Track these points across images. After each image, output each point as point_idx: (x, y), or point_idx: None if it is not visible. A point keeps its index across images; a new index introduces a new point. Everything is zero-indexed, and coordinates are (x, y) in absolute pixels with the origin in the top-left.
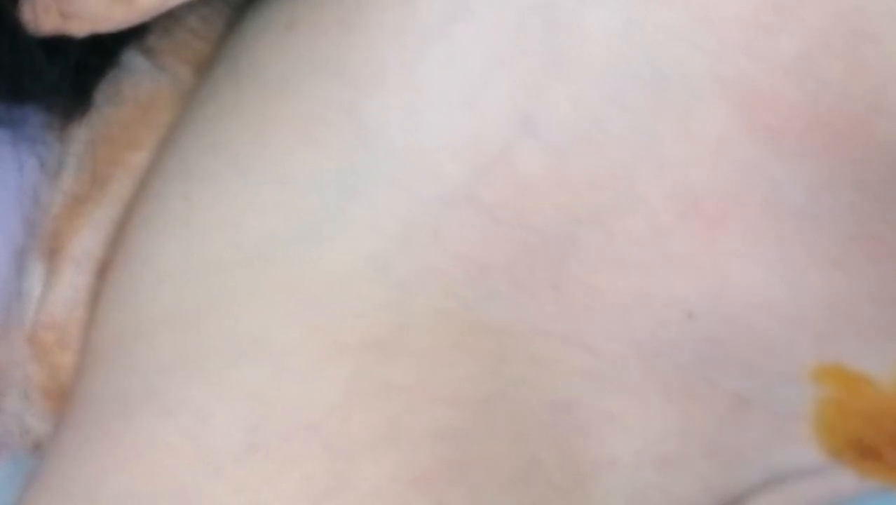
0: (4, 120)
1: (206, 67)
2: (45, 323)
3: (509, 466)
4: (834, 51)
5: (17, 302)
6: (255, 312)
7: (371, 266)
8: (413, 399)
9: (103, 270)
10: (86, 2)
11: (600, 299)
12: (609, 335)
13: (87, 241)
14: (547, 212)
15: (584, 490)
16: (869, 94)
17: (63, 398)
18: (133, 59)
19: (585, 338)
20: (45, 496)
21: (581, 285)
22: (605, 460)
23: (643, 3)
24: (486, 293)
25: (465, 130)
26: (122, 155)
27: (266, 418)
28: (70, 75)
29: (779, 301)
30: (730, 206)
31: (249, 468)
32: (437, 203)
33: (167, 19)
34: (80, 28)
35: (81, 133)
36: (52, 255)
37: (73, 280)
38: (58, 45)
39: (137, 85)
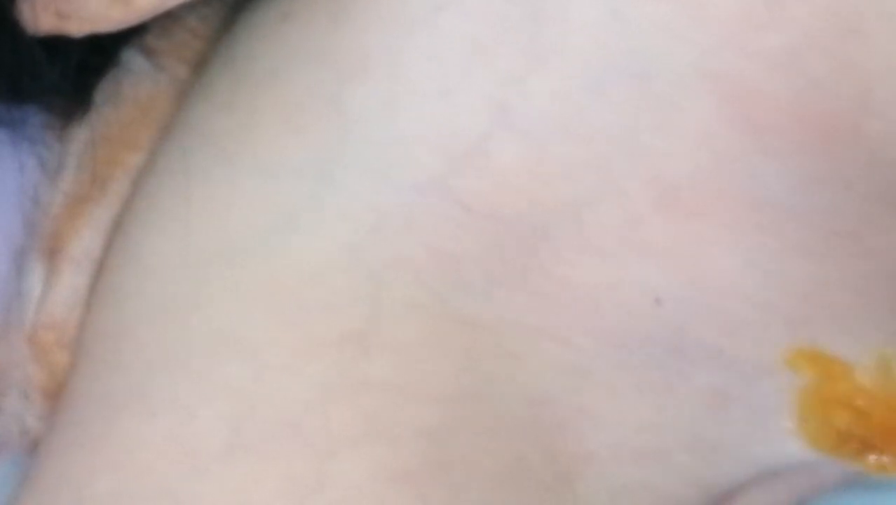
0: (4, 120)
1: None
2: (44, 323)
3: (492, 464)
4: (822, 47)
5: (16, 302)
6: (235, 307)
7: (345, 256)
8: (391, 396)
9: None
10: (83, 2)
11: (571, 290)
12: (580, 327)
13: (87, 241)
14: (520, 203)
15: (569, 487)
16: (856, 93)
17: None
18: (133, 59)
19: (557, 330)
20: (34, 497)
21: (552, 276)
22: (584, 456)
23: None
24: (459, 285)
25: (442, 120)
26: (122, 155)
27: (248, 416)
28: (70, 75)
29: (752, 287)
30: (708, 197)
31: (233, 467)
32: (411, 192)
33: (166, 19)
34: (77, 28)
35: (81, 133)
36: (52, 255)
37: (72, 280)
38: (58, 46)
39: (137, 85)
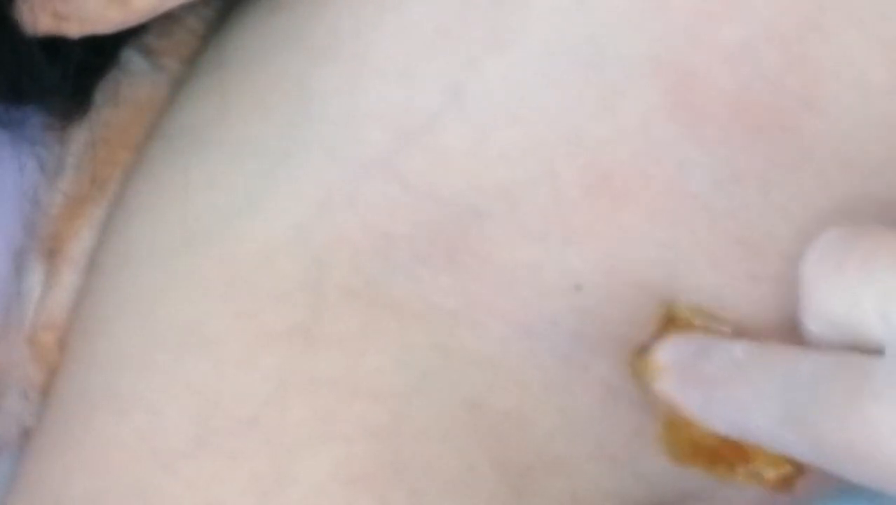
0: (4, 121)
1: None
2: (44, 323)
3: (446, 469)
4: (778, 41)
5: (16, 302)
6: (194, 298)
7: (291, 238)
8: (339, 393)
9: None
10: (82, 3)
11: (493, 271)
12: (494, 311)
13: (86, 241)
14: (458, 183)
15: (521, 496)
16: (803, 88)
17: None
18: (132, 59)
19: (472, 314)
20: (17, 497)
21: (476, 257)
22: (526, 467)
23: None
24: (389, 266)
25: (397, 99)
26: (121, 155)
27: (211, 414)
28: (70, 76)
29: (658, 283)
30: (636, 184)
31: (199, 464)
32: (356, 169)
33: (166, 19)
34: (75, 29)
35: (81, 134)
36: (52, 255)
37: (72, 281)
38: (58, 47)
39: (136, 85)
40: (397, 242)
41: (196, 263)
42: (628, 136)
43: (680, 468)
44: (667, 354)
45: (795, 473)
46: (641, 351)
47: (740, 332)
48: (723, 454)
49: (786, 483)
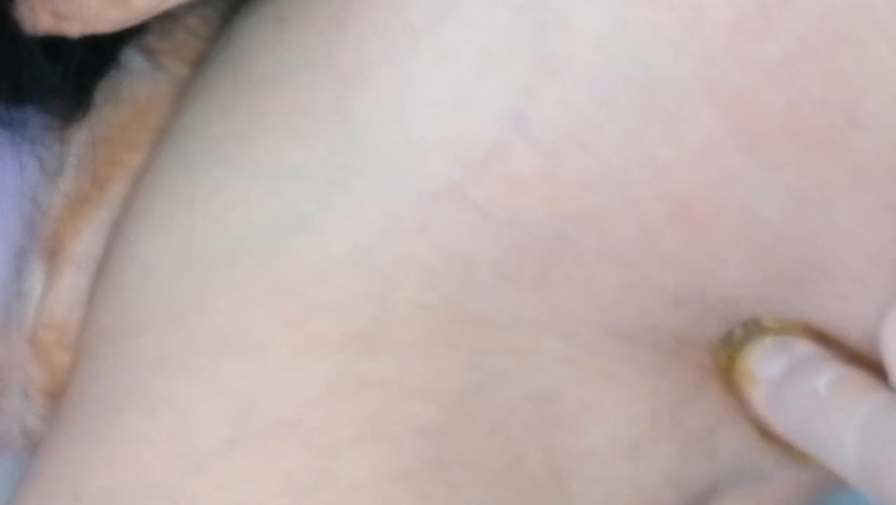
0: (4, 121)
1: (202, 64)
2: (45, 323)
3: (492, 461)
4: (814, 57)
5: (17, 302)
6: (236, 306)
7: (353, 258)
8: (393, 394)
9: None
10: (82, 2)
11: (588, 290)
12: (590, 322)
13: (87, 242)
14: (538, 210)
15: (564, 486)
16: (846, 104)
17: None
18: (132, 59)
19: (566, 326)
20: (33, 494)
21: (570, 279)
22: (583, 453)
23: (632, 4)
24: (469, 286)
25: (453, 128)
26: (122, 155)
27: (247, 414)
28: (71, 77)
29: (753, 304)
30: (714, 212)
31: (231, 464)
32: (425, 198)
33: (166, 19)
34: (75, 29)
35: (81, 134)
36: (53, 255)
37: (73, 281)
38: (58, 47)
39: (137, 85)
40: (478, 265)
41: (237, 275)
42: (696, 162)
43: (758, 448)
44: (758, 363)
45: None
46: (728, 345)
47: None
48: None
49: None
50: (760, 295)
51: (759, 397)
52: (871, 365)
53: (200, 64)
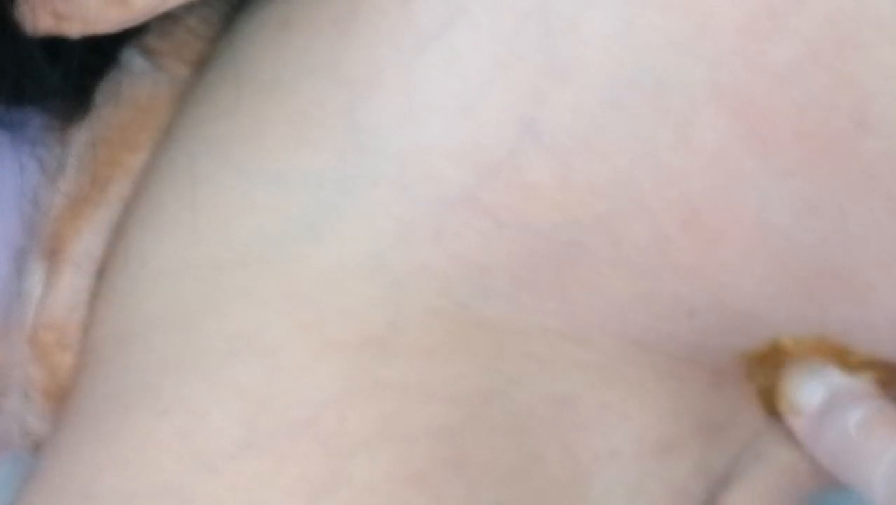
0: (5, 122)
1: (203, 67)
2: (45, 324)
3: (508, 461)
4: (822, 60)
5: (17, 303)
6: (249, 310)
7: (366, 265)
8: (409, 397)
9: (102, 271)
10: (82, 3)
11: (603, 298)
12: (607, 330)
13: (87, 242)
14: (552, 216)
15: (584, 484)
16: (854, 108)
17: (63, 398)
18: (132, 60)
19: (583, 333)
20: (40, 494)
21: (585, 286)
22: (606, 453)
23: (640, 8)
24: (484, 292)
25: (465, 135)
26: (122, 156)
27: (260, 416)
28: (71, 77)
29: (767, 315)
30: (726, 220)
31: (244, 466)
32: (437, 205)
33: (166, 19)
34: (75, 29)
35: (81, 135)
36: (53, 256)
37: (73, 281)
38: (59, 47)
39: (137, 86)
40: (493, 272)
41: (249, 280)
42: (708, 169)
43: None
44: (799, 394)
45: None
46: (763, 366)
47: (846, 361)
48: None
49: None
50: (777, 306)
51: (801, 427)
52: (888, 369)
53: (202, 65)
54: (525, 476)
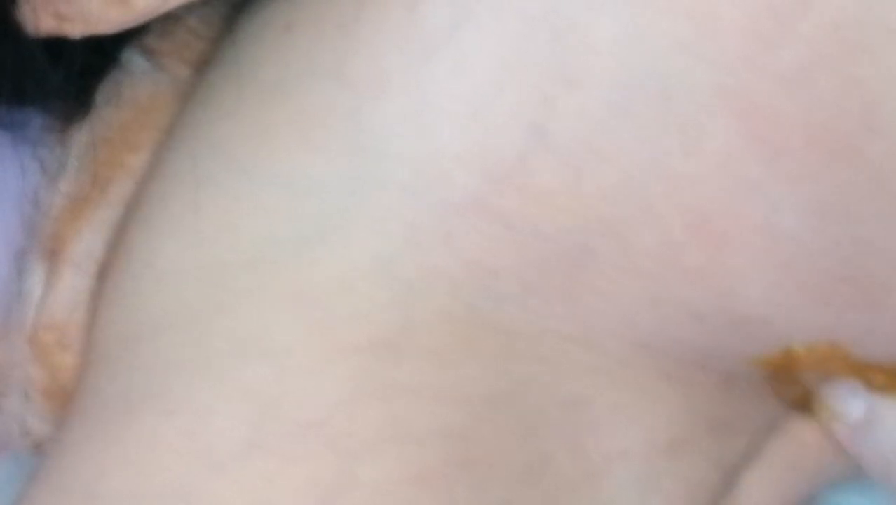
0: (5, 122)
1: (206, 68)
2: (45, 324)
3: (518, 461)
4: (830, 64)
5: (17, 303)
6: (257, 312)
7: (376, 268)
8: (419, 399)
9: (103, 272)
10: (83, 3)
11: (611, 303)
12: (616, 334)
13: (87, 242)
14: (561, 221)
15: (595, 484)
16: (862, 111)
17: (63, 399)
18: (133, 60)
19: (592, 337)
20: (44, 493)
21: (594, 291)
22: (617, 454)
23: (647, 12)
24: (494, 296)
25: (474, 139)
26: (123, 156)
27: (268, 417)
28: (72, 78)
29: (777, 321)
30: (734, 225)
31: (251, 467)
32: (447, 209)
33: (167, 20)
34: (76, 30)
35: (82, 135)
36: (53, 256)
37: (73, 281)
38: (60, 48)
39: (137, 86)
40: (503, 276)
41: (257, 282)
42: (716, 174)
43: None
44: (840, 406)
45: None
46: (778, 371)
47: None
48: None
49: None
50: (787, 312)
51: (845, 436)
52: None
53: (203, 66)
54: (535, 477)
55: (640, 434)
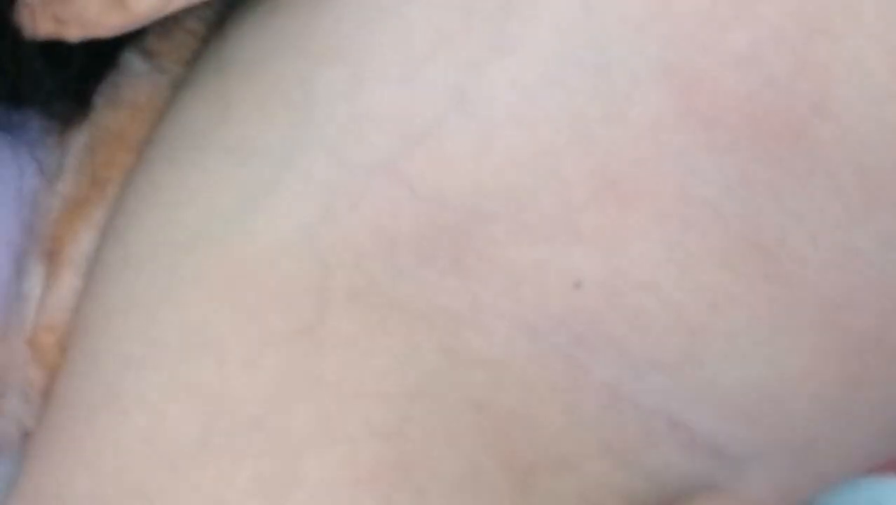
0: (4, 125)
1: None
2: (44, 325)
3: (452, 469)
4: (786, 46)
5: (16, 304)
6: (198, 298)
7: (297, 239)
8: (342, 395)
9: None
10: (81, 7)
11: (497, 272)
12: (499, 312)
13: (85, 243)
14: (464, 186)
15: (526, 494)
16: (813, 93)
17: None
18: (132, 61)
19: (478, 315)
20: (19, 497)
21: (481, 259)
22: (531, 465)
23: None
24: (394, 269)
25: (397, 103)
26: (121, 157)
27: (215, 414)
28: (71, 80)
29: (666, 285)
30: (644, 188)
31: (204, 465)
32: (360, 172)
33: (165, 21)
34: (75, 33)
35: (80, 137)
36: (52, 257)
37: (72, 282)
38: (58, 50)
39: (136, 87)
40: (402, 245)
41: (200, 264)
42: (638, 142)
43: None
44: None
45: None
46: None
47: None
48: None
49: None
50: (681, 274)
51: None
52: None
53: (194, 60)
54: (470, 486)
55: (537, 444)
